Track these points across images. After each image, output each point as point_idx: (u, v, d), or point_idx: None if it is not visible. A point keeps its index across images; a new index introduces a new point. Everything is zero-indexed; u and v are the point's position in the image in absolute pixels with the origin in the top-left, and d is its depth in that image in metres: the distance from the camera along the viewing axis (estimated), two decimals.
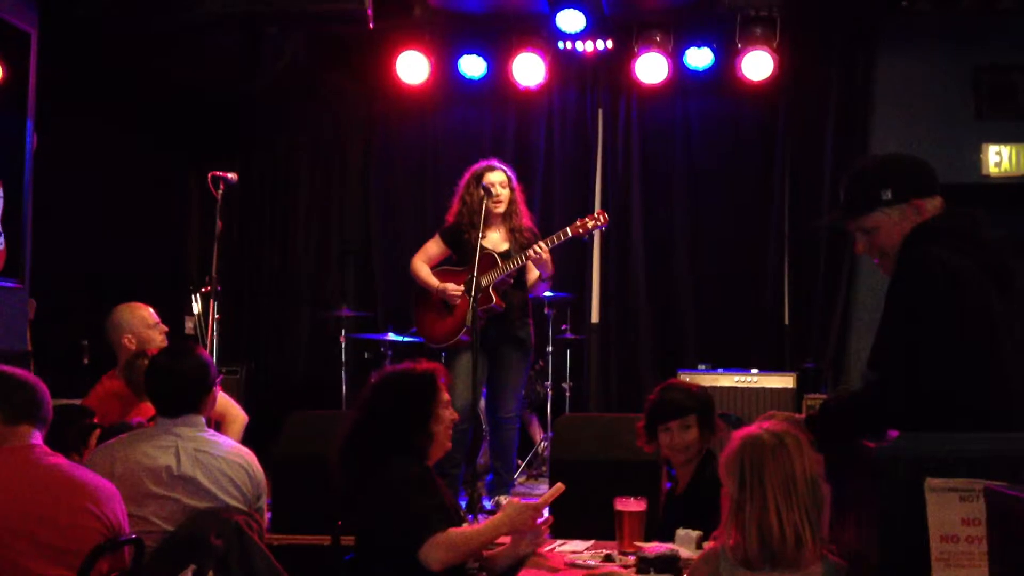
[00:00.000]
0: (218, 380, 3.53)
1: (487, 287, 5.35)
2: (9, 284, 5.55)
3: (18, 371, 3.10)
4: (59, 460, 3.02)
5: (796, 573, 2.41)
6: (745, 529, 2.43)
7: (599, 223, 5.50)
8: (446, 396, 3.24)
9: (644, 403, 3.65)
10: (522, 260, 5.38)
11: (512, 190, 5.54)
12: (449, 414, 3.23)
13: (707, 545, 2.91)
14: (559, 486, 3.11)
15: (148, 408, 3.72)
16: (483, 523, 3.14)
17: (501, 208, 5.47)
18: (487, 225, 5.37)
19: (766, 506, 2.42)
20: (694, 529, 3.08)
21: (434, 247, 5.65)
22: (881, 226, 2.78)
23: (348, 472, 3.11)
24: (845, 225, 2.89)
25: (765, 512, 2.41)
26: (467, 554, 2.97)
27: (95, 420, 3.80)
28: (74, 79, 6.66)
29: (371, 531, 3.05)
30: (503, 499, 5.33)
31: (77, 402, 4.20)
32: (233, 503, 3.29)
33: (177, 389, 3.37)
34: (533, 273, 5.58)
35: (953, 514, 2.16)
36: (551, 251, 5.40)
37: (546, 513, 3.19)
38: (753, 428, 2.55)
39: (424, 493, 3.02)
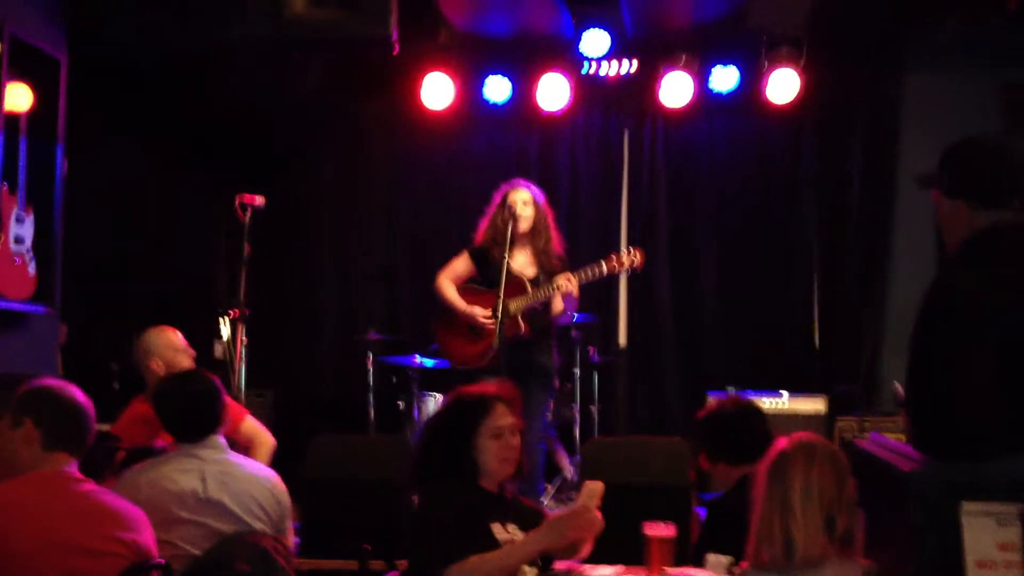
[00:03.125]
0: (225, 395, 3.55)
1: (515, 315, 5.32)
2: (40, 309, 5.59)
3: (72, 393, 3.05)
4: (89, 486, 3.01)
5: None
6: (771, 534, 2.44)
7: (635, 263, 5.42)
8: (502, 421, 3.16)
9: (672, 425, 3.68)
10: (551, 291, 5.33)
11: (538, 210, 5.52)
12: (504, 440, 3.15)
13: (737, 570, 2.88)
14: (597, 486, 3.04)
15: None
16: (515, 543, 3.04)
17: (523, 227, 5.44)
18: (514, 246, 5.36)
19: (790, 512, 2.43)
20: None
21: (461, 265, 5.62)
22: (936, 207, 2.65)
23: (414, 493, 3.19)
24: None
25: (788, 518, 2.43)
26: None
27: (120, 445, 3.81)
28: (102, 104, 6.73)
29: (409, 556, 3.07)
30: None
31: (106, 427, 4.21)
32: (259, 526, 3.29)
33: (191, 412, 3.40)
34: (558, 301, 5.47)
35: (989, 539, 2.12)
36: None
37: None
38: (785, 439, 2.58)
39: (447, 520, 2.97)
